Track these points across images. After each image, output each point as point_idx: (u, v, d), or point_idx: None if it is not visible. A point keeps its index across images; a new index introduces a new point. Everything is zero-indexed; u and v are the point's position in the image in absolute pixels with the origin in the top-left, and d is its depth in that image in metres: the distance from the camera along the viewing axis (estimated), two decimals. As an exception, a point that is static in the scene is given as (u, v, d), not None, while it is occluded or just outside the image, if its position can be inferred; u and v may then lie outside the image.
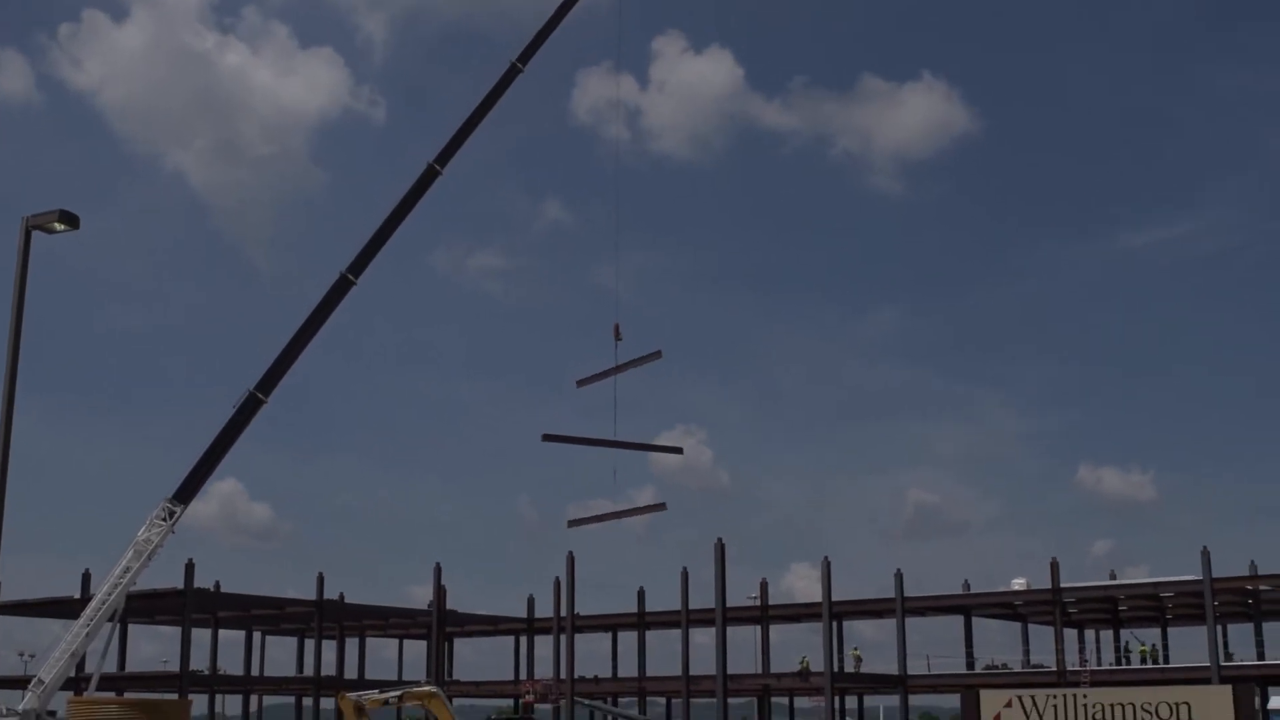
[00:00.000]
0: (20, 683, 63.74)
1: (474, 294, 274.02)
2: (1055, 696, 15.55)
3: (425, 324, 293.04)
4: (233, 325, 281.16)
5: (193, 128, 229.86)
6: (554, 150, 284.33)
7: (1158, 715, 14.93)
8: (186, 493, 45.89)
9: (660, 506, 47.75)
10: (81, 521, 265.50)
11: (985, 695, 15.98)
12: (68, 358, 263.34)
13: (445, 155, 50.05)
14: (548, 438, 45.63)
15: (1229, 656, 75.71)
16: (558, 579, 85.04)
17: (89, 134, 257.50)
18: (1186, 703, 15.19)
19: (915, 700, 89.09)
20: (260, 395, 47.02)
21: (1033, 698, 15.67)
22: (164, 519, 45.07)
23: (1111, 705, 15.16)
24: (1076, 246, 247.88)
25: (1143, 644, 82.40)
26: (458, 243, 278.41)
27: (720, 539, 74.29)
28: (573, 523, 50.44)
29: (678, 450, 51.01)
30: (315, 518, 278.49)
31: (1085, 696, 15.70)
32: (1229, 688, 15.51)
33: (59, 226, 34.79)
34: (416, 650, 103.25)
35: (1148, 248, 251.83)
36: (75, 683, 57.13)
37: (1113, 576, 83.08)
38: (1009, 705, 15.59)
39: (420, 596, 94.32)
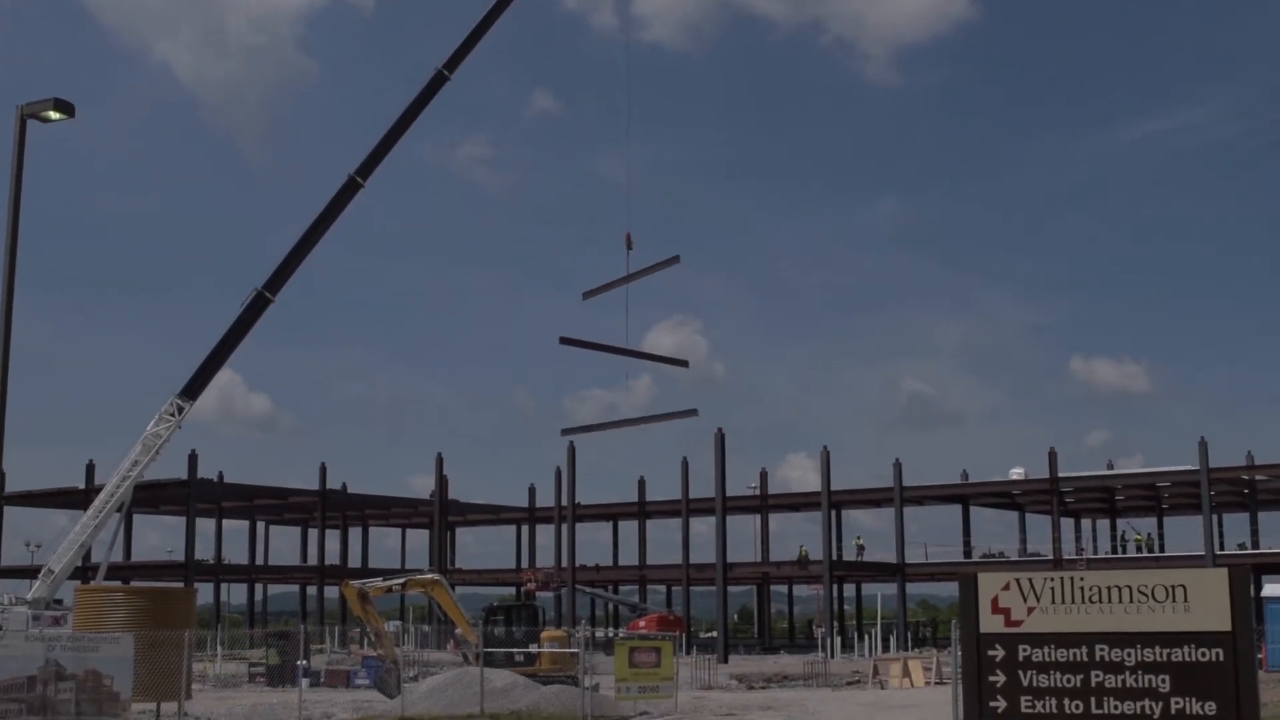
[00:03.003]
0: (26, 572, 64.50)
1: (464, 184, 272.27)
2: (1053, 579, 15.78)
3: (417, 216, 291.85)
4: (226, 217, 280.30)
5: (179, 19, 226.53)
6: (541, 39, 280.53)
7: (1154, 597, 15.14)
8: (194, 389, 46.01)
9: (692, 412, 47.22)
10: (80, 413, 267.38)
11: (983, 578, 16.14)
12: (66, 251, 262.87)
13: (454, 61, 49.24)
14: (565, 341, 45.38)
15: (1239, 545, 76.77)
16: (559, 468, 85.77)
17: (76, 26, 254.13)
18: (1182, 585, 15.39)
19: (913, 588, 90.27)
20: (268, 295, 46.93)
21: (1030, 580, 15.91)
22: (173, 414, 45.24)
23: (1108, 588, 15.41)
24: (1075, 137, 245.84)
25: (1138, 533, 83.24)
26: (446, 134, 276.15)
27: (720, 429, 74.68)
28: (567, 431, 50.70)
29: (683, 363, 50.22)
30: (314, 409, 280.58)
31: (1083, 579, 15.92)
32: (1225, 571, 15.68)
33: (54, 115, 34.31)
34: (419, 539, 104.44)
35: (1147, 139, 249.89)
36: (82, 571, 57.91)
37: (1110, 467, 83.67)
38: (1006, 588, 15.82)
39: (422, 487, 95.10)
